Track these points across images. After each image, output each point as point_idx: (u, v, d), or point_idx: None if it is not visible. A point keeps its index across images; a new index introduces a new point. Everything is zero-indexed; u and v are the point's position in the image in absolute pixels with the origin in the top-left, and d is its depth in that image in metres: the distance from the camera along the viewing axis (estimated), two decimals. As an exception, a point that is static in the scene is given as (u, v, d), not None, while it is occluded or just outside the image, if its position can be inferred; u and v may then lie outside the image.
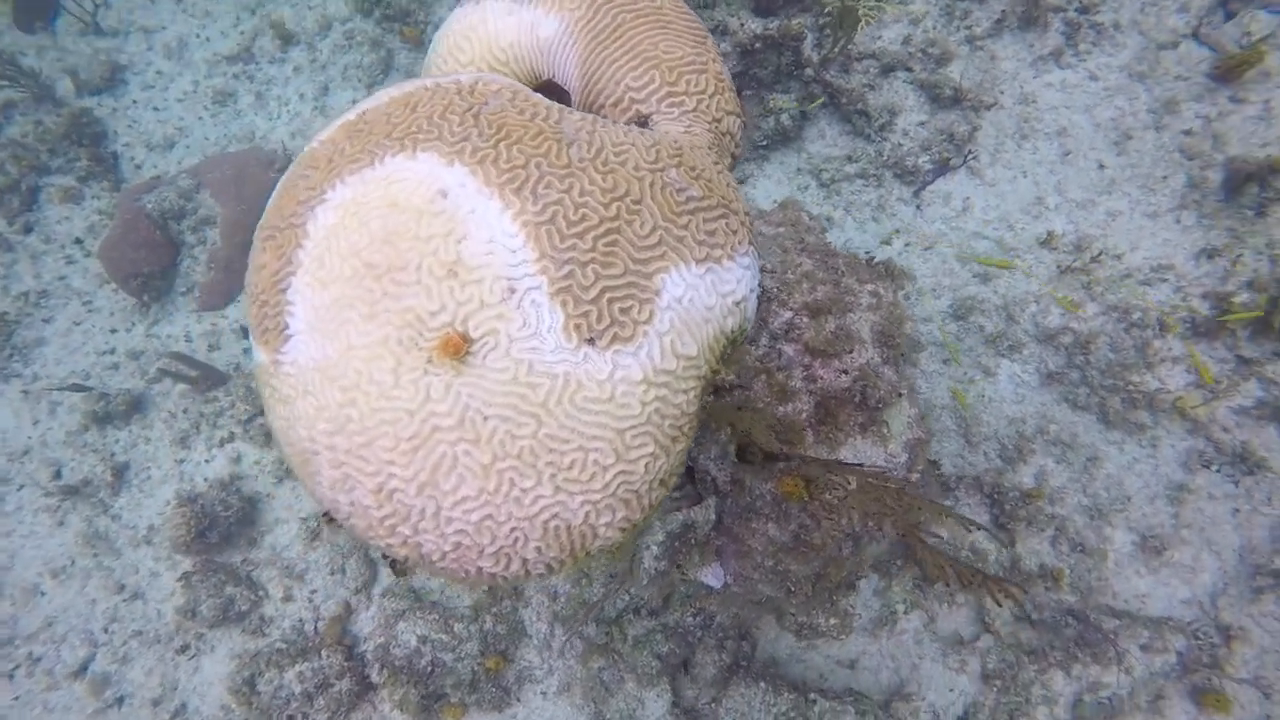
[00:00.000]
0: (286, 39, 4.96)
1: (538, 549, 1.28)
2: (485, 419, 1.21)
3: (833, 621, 3.20)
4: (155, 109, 5.06)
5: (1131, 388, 3.40)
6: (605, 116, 1.55)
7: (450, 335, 1.20)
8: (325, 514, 1.44)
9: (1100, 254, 3.55)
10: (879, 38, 3.93)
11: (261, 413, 4.05)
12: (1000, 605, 1.68)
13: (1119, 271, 3.54)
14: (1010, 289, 3.64)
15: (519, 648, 3.49)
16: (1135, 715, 3.20)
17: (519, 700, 3.45)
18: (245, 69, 5.02)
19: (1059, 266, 3.61)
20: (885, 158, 3.90)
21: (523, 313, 1.22)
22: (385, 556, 1.41)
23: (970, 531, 3.29)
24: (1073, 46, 3.90)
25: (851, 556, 2.61)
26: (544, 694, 3.44)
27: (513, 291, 1.22)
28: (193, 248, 4.49)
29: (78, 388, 4.31)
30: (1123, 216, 3.64)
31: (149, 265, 4.44)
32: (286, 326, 1.31)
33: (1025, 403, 3.56)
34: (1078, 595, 3.31)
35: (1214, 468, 3.37)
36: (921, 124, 3.88)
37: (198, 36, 5.21)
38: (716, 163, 1.48)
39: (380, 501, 1.26)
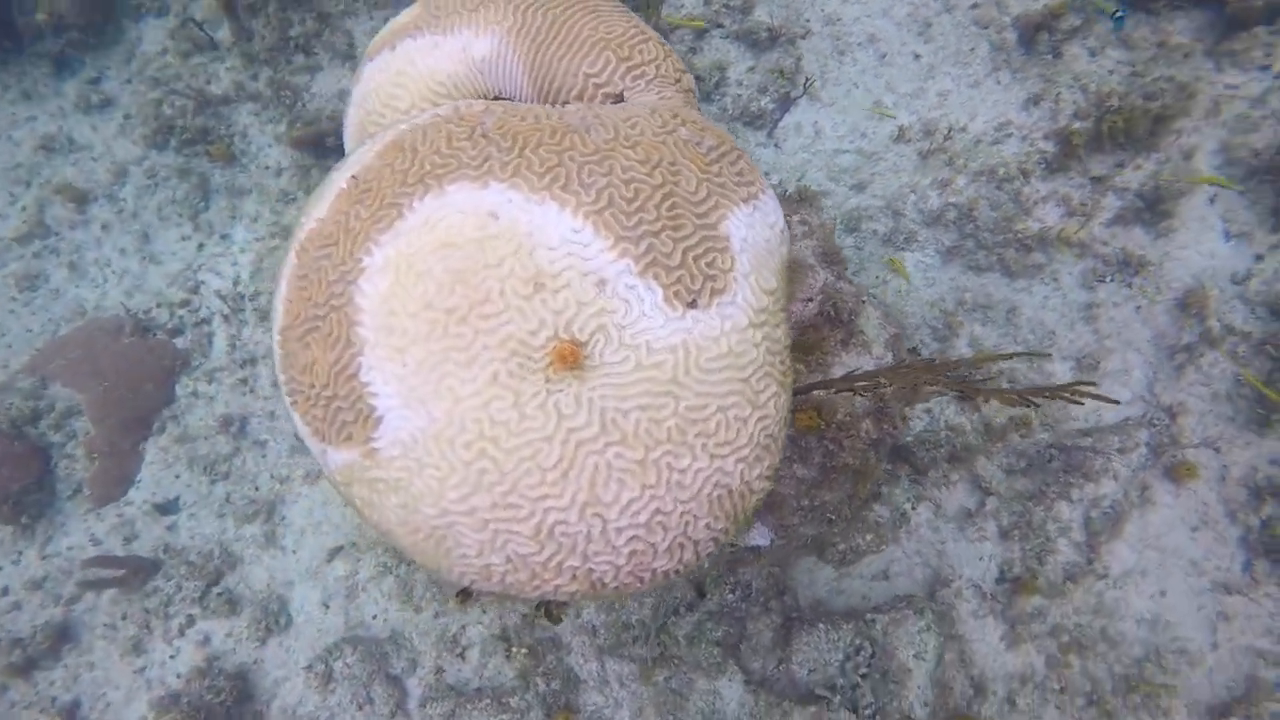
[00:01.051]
0: (81, 199, 4.54)
1: (707, 526, 1.26)
2: (625, 414, 1.17)
3: (869, 537, 3.30)
4: (-49, 321, 4.50)
5: (1020, 235, 3.71)
6: (576, 109, 1.53)
7: (561, 346, 1.15)
8: (461, 591, 1.34)
9: (950, 131, 3.86)
10: (682, 6, 4.09)
11: (217, 580, 3.70)
12: (1081, 403, 1.82)
13: (970, 141, 3.86)
14: (886, 188, 3.89)
15: (579, 695, 3.37)
16: (1133, 512, 3.49)
17: (599, 747, 3.33)
18: (45, 244, 4.55)
19: (920, 154, 3.89)
20: (731, 112, 4.06)
21: (622, 299, 1.19)
22: (539, 607, 1.33)
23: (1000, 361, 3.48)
24: (851, -38, 4.22)
25: (877, 464, 2.70)
26: (622, 729, 3.35)
27: (604, 283, 1.19)
28: (63, 446, 4.02)
29: (-18, 645, 3.76)
30: (952, 94, 3.97)
31: (17, 482, 3.94)
32: (373, 410, 1.21)
33: (937, 284, 3.81)
34: (1049, 430, 3.58)
35: (1108, 279, 3.74)
36: (751, 69, 4.07)
37: (-30, 229, 4.68)
38: (701, 115, 1.50)
39: (541, 543, 1.20)
